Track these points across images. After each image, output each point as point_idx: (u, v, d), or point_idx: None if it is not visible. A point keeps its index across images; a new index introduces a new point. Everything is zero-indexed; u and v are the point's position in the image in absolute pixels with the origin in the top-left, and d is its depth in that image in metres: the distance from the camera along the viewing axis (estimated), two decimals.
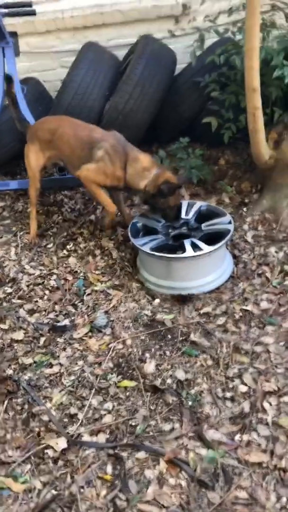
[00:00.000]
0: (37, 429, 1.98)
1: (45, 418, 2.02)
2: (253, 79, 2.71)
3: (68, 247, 3.14)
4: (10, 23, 3.65)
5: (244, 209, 3.28)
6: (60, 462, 1.85)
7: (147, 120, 3.69)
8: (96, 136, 2.86)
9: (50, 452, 1.89)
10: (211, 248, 2.52)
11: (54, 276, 2.87)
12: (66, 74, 3.78)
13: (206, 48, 3.58)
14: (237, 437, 1.87)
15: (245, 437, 1.86)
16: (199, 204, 2.93)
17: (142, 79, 3.53)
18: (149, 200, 2.85)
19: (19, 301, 2.70)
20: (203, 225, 2.76)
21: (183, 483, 1.74)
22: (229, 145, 3.76)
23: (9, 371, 2.27)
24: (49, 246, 3.18)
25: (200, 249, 2.54)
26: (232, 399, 2.02)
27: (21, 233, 3.31)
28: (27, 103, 3.65)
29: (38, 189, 3.20)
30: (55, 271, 2.92)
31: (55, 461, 1.86)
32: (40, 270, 2.94)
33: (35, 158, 3.10)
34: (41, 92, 4.01)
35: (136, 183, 2.78)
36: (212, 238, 2.62)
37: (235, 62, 3.27)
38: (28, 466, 1.85)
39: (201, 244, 2.58)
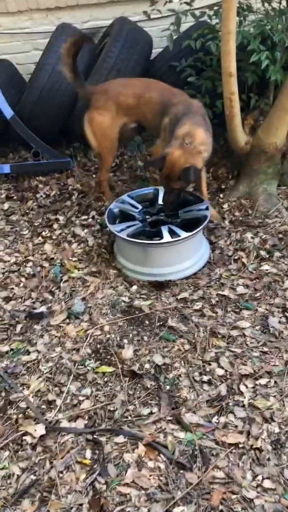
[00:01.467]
0: (14, 416, 1.97)
1: (22, 405, 2.01)
2: (230, 64, 2.70)
3: (43, 233, 3.10)
4: None
5: (221, 195, 3.29)
6: (39, 448, 1.85)
7: None
8: (174, 101, 2.76)
9: (28, 439, 1.88)
10: (188, 234, 2.53)
11: (30, 263, 2.83)
12: (39, 56, 3.70)
13: (182, 32, 3.54)
14: (214, 420, 1.90)
15: (222, 419, 1.90)
16: None
17: (117, 62, 3.49)
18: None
19: None
20: (180, 211, 2.76)
21: (162, 465, 1.76)
22: None
23: None
24: (24, 232, 3.13)
25: (177, 235, 2.54)
26: (209, 383, 2.06)
27: None
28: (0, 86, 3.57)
29: (113, 160, 3.06)
30: (30, 258, 2.88)
31: (33, 447, 1.86)
32: (16, 257, 2.90)
33: (111, 125, 2.90)
34: (14, 74, 3.91)
35: None
36: (189, 224, 2.63)
37: (211, 47, 3.26)
38: (7, 453, 1.85)
39: (178, 230, 2.58)
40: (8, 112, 3.56)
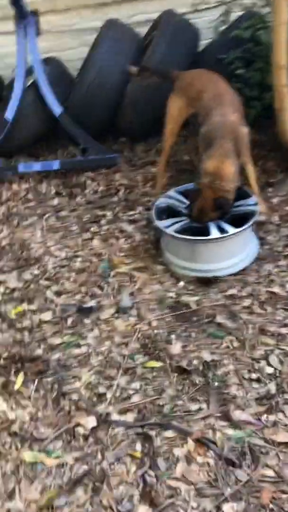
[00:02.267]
0: (67, 408, 2.04)
1: (74, 397, 2.08)
2: (281, 56, 2.65)
3: (92, 229, 3.16)
4: (31, 1, 3.62)
5: (270, 189, 3.24)
6: (91, 440, 1.91)
7: None
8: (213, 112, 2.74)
9: (80, 430, 1.95)
10: (237, 230, 2.51)
11: (79, 258, 2.91)
12: (87, 53, 3.75)
13: (230, 23, 3.49)
14: (263, 418, 1.90)
15: (272, 418, 1.89)
16: None
17: (164, 57, 3.48)
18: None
19: (46, 282, 2.75)
20: None
21: (211, 461, 1.78)
22: (253, 123, 3.69)
23: (39, 351, 2.33)
24: (73, 228, 3.21)
25: (225, 231, 2.53)
26: (258, 380, 2.05)
27: (46, 215, 3.34)
28: (49, 84, 3.65)
29: (173, 146, 3.13)
30: (80, 253, 2.96)
31: (85, 438, 1.92)
32: (66, 252, 2.98)
33: (179, 110, 3.00)
34: (62, 72, 3.98)
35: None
36: (238, 220, 2.61)
37: (262, 38, 3.19)
38: (60, 443, 1.92)
39: (226, 226, 2.57)
40: (57, 109, 3.64)
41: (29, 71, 3.77)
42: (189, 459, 1.79)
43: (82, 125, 3.67)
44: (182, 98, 2.98)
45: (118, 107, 3.70)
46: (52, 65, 3.89)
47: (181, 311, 2.43)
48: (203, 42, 3.85)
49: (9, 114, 3.63)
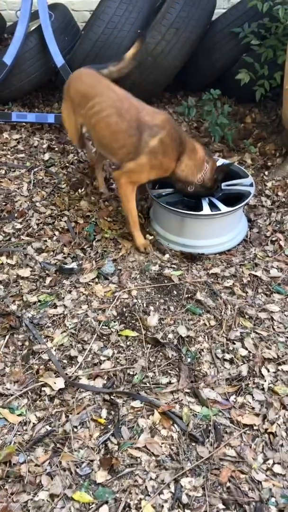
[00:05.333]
0: (36, 367, 2.01)
1: (45, 356, 2.05)
2: None
3: (80, 190, 3.07)
4: None
5: (266, 172, 3.18)
6: (56, 401, 1.89)
7: (178, 65, 3.52)
8: (147, 119, 2.35)
9: (47, 390, 1.92)
10: (229, 209, 2.46)
11: (65, 218, 2.82)
12: (97, 4, 3.56)
13: None
14: (232, 398, 1.90)
15: (240, 399, 1.90)
16: (220, 162, 2.84)
17: (178, 20, 3.32)
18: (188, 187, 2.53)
19: (27, 238, 2.67)
20: (222, 184, 2.68)
21: (175, 435, 1.78)
22: (259, 103, 3.60)
23: (13, 307, 2.27)
24: (61, 186, 3.11)
25: (217, 208, 2.48)
26: (231, 361, 2.04)
27: (35, 169, 3.23)
28: (53, 31, 3.46)
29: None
30: (66, 212, 2.87)
31: (51, 399, 1.90)
32: (51, 209, 2.89)
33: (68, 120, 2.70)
34: (69, 21, 3.78)
35: (190, 176, 2.46)
36: (230, 199, 2.56)
37: (279, 13, 3.06)
38: (25, 401, 1.89)
39: (218, 203, 2.52)
40: (59, 60, 3.47)
41: (34, 16, 3.57)
42: (153, 430, 1.79)
43: None
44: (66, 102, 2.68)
45: None
46: (59, 12, 3.69)
47: (163, 284, 2.39)
48: (217, 11, 3.69)
49: (8, 58, 3.44)
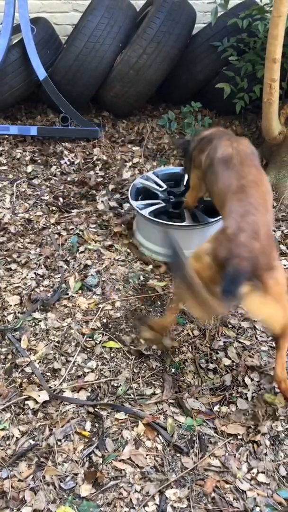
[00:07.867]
0: (19, 380, 1.99)
1: (28, 370, 2.03)
2: (275, 49, 2.61)
3: (64, 201, 3.07)
4: None
5: None
6: (40, 414, 1.88)
7: (159, 78, 3.57)
8: None
9: (30, 404, 1.90)
10: (211, 220, 2.49)
11: (48, 230, 2.82)
12: (79, 18, 3.60)
13: (228, 10, 3.41)
14: (216, 408, 1.91)
15: (224, 409, 1.90)
16: None
17: (158, 35, 3.39)
18: None
19: (8, 253, 2.66)
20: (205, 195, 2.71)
21: (159, 446, 1.78)
22: (239, 115, 3.67)
23: None
24: (45, 198, 3.11)
25: (199, 219, 2.51)
26: (214, 371, 2.05)
27: (18, 181, 3.22)
28: (36, 45, 3.48)
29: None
30: (49, 224, 2.87)
31: (35, 412, 1.88)
32: (33, 222, 2.88)
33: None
34: (51, 34, 3.81)
35: None
36: (213, 209, 2.58)
37: (258, 28, 3.14)
38: (8, 415, 1.87)
39: (200, 214, 2.54)
40: (41, 73, 3.49)
41: (16, 29, 3.59)
42: (138, 442, 1.79)
43: (65, 94, 3.53)
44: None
45: (105, 79, 3.58)
46: (41, 25, 3.71)
47: (146, 294, 2.40)
48: (198, 26, 3.76)
49: None
